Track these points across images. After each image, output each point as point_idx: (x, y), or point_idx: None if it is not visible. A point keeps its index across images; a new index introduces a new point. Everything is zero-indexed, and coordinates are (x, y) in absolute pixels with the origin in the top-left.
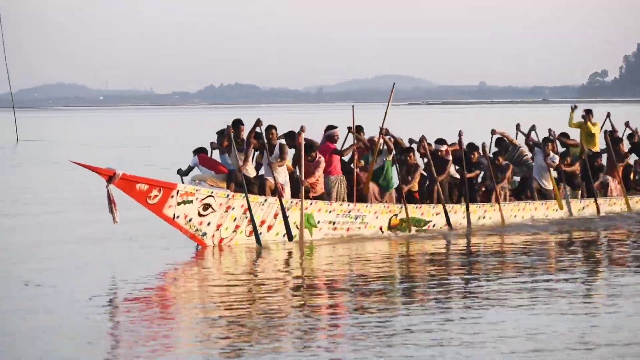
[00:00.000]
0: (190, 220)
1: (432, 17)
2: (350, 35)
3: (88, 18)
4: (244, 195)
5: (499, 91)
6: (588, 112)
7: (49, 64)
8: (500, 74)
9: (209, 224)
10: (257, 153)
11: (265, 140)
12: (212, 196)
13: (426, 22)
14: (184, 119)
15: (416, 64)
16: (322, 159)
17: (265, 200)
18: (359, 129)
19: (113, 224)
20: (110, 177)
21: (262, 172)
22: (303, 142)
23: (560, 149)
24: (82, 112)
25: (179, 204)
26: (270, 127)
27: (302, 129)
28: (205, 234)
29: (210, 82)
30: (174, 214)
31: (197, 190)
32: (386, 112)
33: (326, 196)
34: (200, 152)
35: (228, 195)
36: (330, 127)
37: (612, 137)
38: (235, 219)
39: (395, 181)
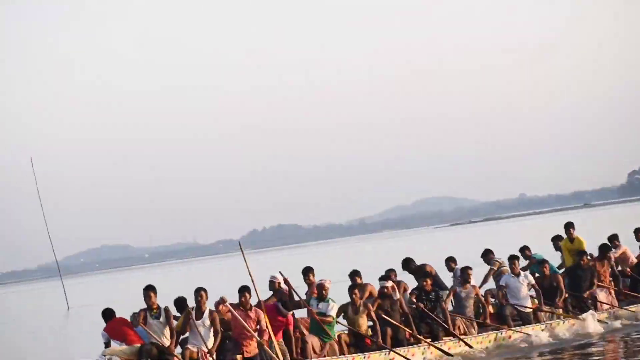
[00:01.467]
0: None
1: (463, 138)
2: (386, 162)
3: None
4: None
5: (540, 201)
6: (568, 226)
7: (92, 228)
8: (540, 183)
9: None
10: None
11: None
12: None
13: (459, 142)
14: (229, 268)
15: (455, 183)
16: (260, 312)
17: None
18: (307, 271)
19: None
20: None
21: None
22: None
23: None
24: (129, 272)
25: None
26: (199, 290)
27: (222, 300)
28: None
29: (253, 226)
30: None
31: None
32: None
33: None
34: (105, 317)
35: None
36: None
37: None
38: None
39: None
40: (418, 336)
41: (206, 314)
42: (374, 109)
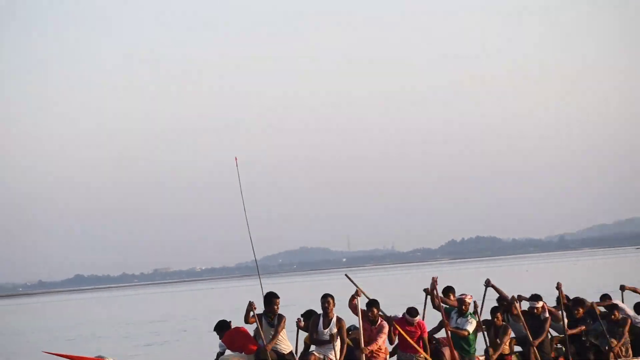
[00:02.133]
0: None
1: None
2: (588, 180)
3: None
4: None
5: None
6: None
7: (291, 230)
8: None
9: None
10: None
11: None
12: None
13: None
14: (427, 276)
15: None
16: (386, 324)
17: None
18: (448, 290)
19: None
20: None
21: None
22: (359, 311)
23: None
24: (326, 275)
25: None
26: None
27: (357, 293)
28: None
29: (452, 236)
30: None
31: None
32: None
33: None
34: (222, 328)
35: None
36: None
37: None
38: None
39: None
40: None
41: (333, 321)
42: (577, 125)
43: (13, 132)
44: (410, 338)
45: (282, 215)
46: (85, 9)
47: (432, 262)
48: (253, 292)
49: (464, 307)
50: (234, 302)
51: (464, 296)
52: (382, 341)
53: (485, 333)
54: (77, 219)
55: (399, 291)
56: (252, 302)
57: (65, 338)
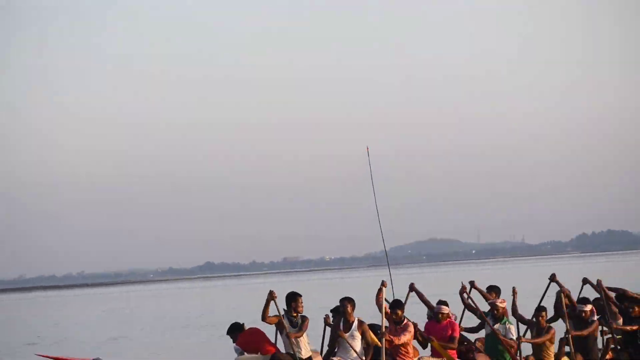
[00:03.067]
0: None
1: None
2: None
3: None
4: None
5: None
6: None
7: (420, 221)
8: None
9: None
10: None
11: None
12: None
13: None
14: (555, 269)
15: None
16: (411, 325)
17: None
18: (492, 290)
19: None
20: None
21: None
22: (384, 301)
23: None
24: (455, 267)
25: None
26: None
27: (383, 284)
28: None
29: (582, 230)
30: None
31: None
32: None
33: None
34: (235, 331)
35: None
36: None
37: None
38: None
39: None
40: None
41: (355, 324)
42: None
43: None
44: (439, 338)
45: (412, 206)
46: None
47: (562, 255)
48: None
49: (496, 312)
50: (362, 291)
51: (495, 301)
52: (407, 339)
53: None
54: (208, 209)
55: (529, 285)
56: (273, 290)
57: (198, 325)
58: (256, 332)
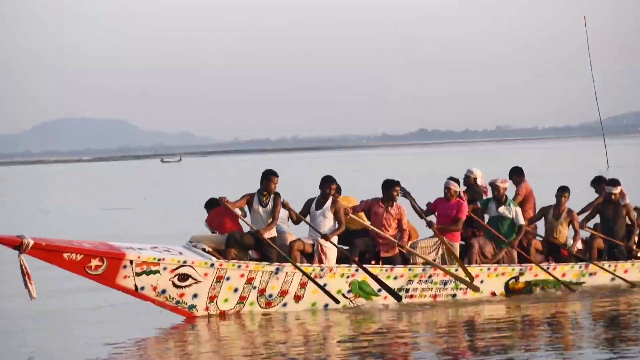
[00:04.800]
0: (163, 291)
1: None
2: None
3: None
4: (239, 263)
5: None
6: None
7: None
8: None
9: (195, 295)
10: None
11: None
12: (189, 265)
13: None
14: None
15: None
16: (403, 208)
17: (277, 269)
18: (517, 172)
19: (30, 300)
20: (18, 247)
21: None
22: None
23: None
24: None
25: (138, 274)
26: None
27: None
28: (193, 306)
29: None
30: (136, 286)
31: (160, 259)
32: None
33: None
34: (208, 206)
35: (212, 264)
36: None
37: None
38: (236, 290)
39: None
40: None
41: (328, 203)
42: None
43: None
44: (445, 219)
45: (630, 75)
46: None
47: None
48: (596, 152)
49: (497, 192)
50: (574, 160)
51: (495, 180)
52: (404, 224)
53: (543, 218)
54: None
55: None
56: (223, 197)
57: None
58: (223, 211)
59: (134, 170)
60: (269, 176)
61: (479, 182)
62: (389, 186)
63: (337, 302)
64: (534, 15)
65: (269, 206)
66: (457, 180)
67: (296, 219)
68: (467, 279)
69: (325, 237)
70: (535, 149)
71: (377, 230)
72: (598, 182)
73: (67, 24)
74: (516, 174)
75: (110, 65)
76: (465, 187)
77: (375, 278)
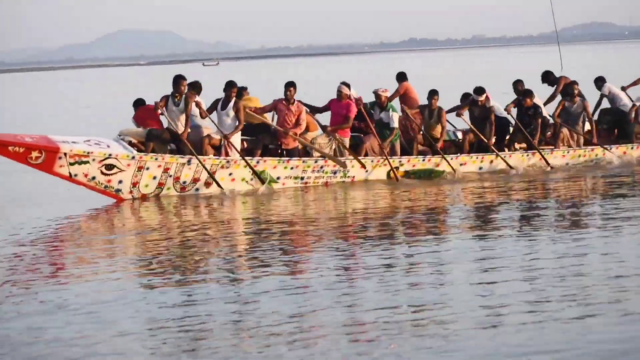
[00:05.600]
0: (93, 178)
1: None
2: None
3: None
4: (155, 156)
5: None
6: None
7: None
8: None
9: (120, 181)
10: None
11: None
12: (114, 158)
13: None
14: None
15: None
16: (302, 107)
17: (189, 160)
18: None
19: None
20: None
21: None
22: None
23: None
24: (608, 46)
25: (71, 164)
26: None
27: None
28: (119, 190)
29: None
30: (70, 173)
31: (88, 152)
32: None
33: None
34: (136, 105)
35: (134, 157)
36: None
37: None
38: (154, 177)
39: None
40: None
41: (230, 104)
42: None
43: None
44: (337, 116)
45: None
46: None
47: None
48: (552, 58)
49: (380, 100)
50: (534, 65)
51: (377, 89)
52: (304, 124)
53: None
54: None
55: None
56: (157, 102)
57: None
58: (149, 110)
59: (179, 71)
60: (178, 80)
61: (352, 97)
62: (285, 87)
63: (263, 182)
64: None
65: (181, 105)
66: (348, 85)
67: (204, 116)
68: (341, 160)
69: (225, 137)
70: (503, 55)
71: (269, 122)
72: (547, 77)
73: None
74: (400, 78)
75: None
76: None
77: (249, 165)
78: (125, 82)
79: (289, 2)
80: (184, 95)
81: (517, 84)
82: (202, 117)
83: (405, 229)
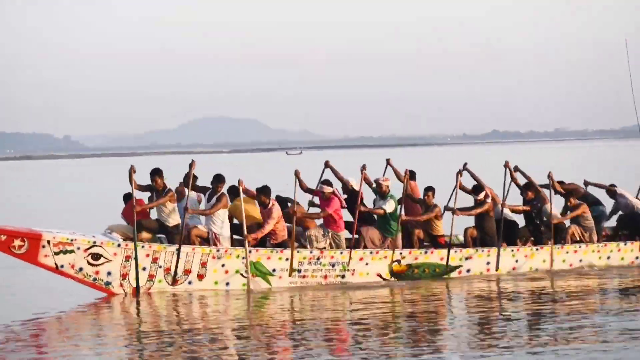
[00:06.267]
0: (80, 269)
1: None
2: None
3: None
4: (142, 244)
5: None
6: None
7: None
8: None
9: (109, 273)
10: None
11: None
12: (98, 246)
13: None
14: None
15: None
16: (277, 206)
17: (178, 249)
18: (412, 176)
19: None
20: None
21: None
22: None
23: None
24: None
25: (56, 253)
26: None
27: (239, 182)
28: (109, 283)
29: None
30: (56, 264)
31: (72, 240)
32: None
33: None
34: (128, 199)
35: (119, 245)
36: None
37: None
38: (144, 268)
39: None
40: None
41: (215, 198)
42: None
43: None
44: (319, 214)
45: None
46: None
47: None
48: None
49: (381, 189)
50: (617, 161)
51: (379, 179)
52: (272, 224)
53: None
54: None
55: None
56: (132, 165)
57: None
58: (131, 204)
59: (262, 159)
60: (152, 176)
61: (355, 187)
62: (260, 193)
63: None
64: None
65: (160, 197)
66: (329, 183)
67: (189, 212)
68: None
69: (185, 208)
70: (584, 148)
71: (242, 226)
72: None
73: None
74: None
75: (242, 68)
76: (345, 195)
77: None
78: (207, 169)
79: (372, 94)
80: (167, 189)
81: (527, 190)
82: (186, 211)
83: (405, 343)
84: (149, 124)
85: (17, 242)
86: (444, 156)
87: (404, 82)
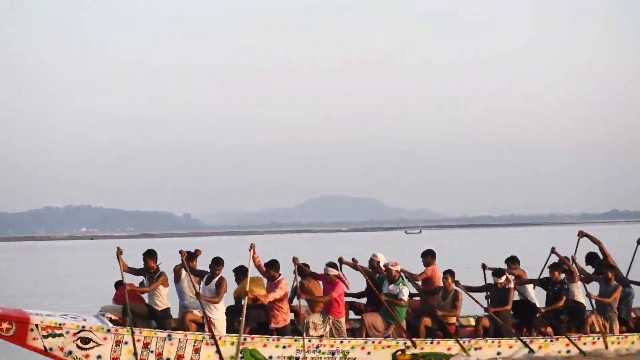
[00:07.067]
0: (70, 352)
1: None
2: None
3: None
4: (133, 330)
5: None
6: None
7: None
8: None
9: (99, 357)
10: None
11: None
12: (87, 330)
13: None
14: None
15: None
16: (285, 282)
17: (169, 335)
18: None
19: None
20: None
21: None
22: (251, 260)
23: None
24: None
25: (45, 337)
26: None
27: (252, 246)
28: None
29: None
30: (45, 347)
31: (61, 324)
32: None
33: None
34: (119, 285)
35: (109, 330)
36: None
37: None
38: (135, 353)
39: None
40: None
41: (215, 280)
42: None
43: None
44: (323, 297)
45: None
46: None
47: None
48: None
49: (391, 274)
50: None
51: (388, 264)
52: (277, 295)
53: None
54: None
55: None
56: (119, 247)
57: None
58: (124, 291)
59: (381, 239)
60: (145, 258)
61: (381, 264)
62: (270, 268)
63: None
64: None
65: (152, 281)
66: (335, 266)
67: (192, 294)
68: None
69: (197, 294)
70: None
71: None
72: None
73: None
74: (429, 256)
75: (358, 151)
76: (370, 268)
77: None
78: (329, 248)
79: (490, 173)
80: (159, 273)
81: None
82: (198, 297)
83: None
84: (268, 202)
85: (4, 325)
86: (560, 234)
87: (524, 164)
